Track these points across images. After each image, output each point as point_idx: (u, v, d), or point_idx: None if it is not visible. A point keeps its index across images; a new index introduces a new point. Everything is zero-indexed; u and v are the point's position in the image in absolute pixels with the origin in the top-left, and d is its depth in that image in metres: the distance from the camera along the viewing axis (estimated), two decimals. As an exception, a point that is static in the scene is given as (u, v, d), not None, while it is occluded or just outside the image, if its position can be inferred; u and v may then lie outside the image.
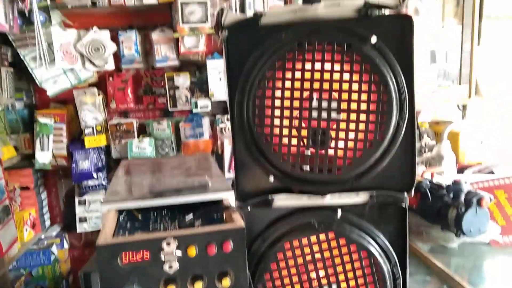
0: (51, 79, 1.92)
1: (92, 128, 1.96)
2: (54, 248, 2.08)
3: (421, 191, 1.47)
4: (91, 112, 1.94)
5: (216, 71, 1.98)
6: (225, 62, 0.78)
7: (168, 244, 0.56)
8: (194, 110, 2.03)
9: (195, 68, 2.11)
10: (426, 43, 2.04)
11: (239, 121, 0.79)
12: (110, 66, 1.94)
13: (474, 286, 1.13)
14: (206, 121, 2.07)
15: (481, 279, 1.23)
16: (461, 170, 1.78)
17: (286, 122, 0.76)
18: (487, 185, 1.57)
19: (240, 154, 0.80)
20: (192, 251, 0.56)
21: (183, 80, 2.04)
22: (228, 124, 2.04)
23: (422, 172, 1.58)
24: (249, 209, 0.79)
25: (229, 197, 0.72)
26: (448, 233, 1.41)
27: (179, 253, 0.56)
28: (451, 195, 1.39)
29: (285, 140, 0.76)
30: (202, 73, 2.07)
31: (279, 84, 0.75)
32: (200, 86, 2.06)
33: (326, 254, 0.78)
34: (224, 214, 0.68)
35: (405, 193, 0.79)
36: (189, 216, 0.63)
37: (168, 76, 2.04)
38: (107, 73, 2.04)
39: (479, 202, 1.30)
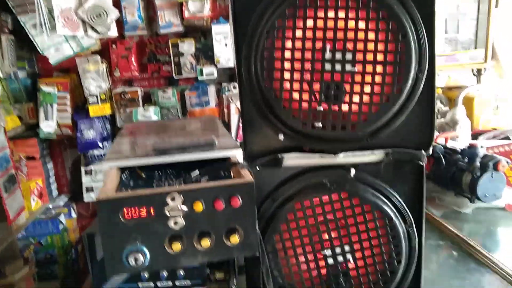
0: (53, 46, 1.86)
1: (96, 96, 1.92)
2: (62, 218, 2.08)
3: (434, 156, 1.42)
4: (95, 80, 1.90)
5: (222, 37, 1.92)
6: (232, 12, 0.73)
7: (173, 199, 0.52)
8: (200, 78, 1.98)
9: (200, 34, 2.04)
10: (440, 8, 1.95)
11: (247, 76, 0.74)
12: (113, 33, 1.88)
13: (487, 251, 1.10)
14: (212, 89, 2.02)
15: (495, 245, 1.20)
16: (475, 136, 1.73)
17: (296, 75, 0.71)
18: (503, 150, 1.52)
19: (248, 111, 0.76)
20: (199, 207, 0.53)
21: (188, 47, 1.98)
22: (235, 91, 1.99)
23: (435, 137, 1.53)
24: (257, 169, 0.76)
25: (237, 155, 0.68)
26: (462, 198, 1.38)
27: (184, 208, 0.53)
28: (466, 159, 1.35)
29: (295, 95, 0.72)
30: (207, 39, 2.01)
31: (289, 33, 0.70)
32: (205, 53, 2.00)
33: (339, 214, 0.75)
34: (231, 172, 0.64)
35: (423, 151, 0.75)
36: (195, 173, 0.60)
37: (172, 42, 1.98)
38: (110, 41, 1.99)
39: (495, 166, 1.26)
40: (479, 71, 2.04)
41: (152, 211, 0.52)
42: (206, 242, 0.54)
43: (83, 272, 2.19)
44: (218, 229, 0.55)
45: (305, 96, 0.72)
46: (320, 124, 0.72)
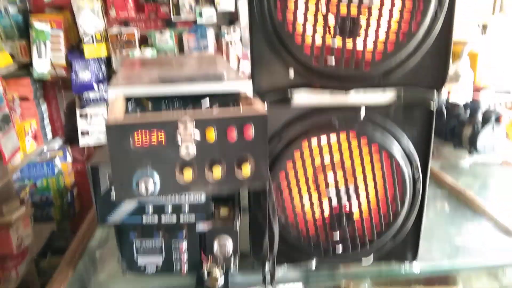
0: (45, -20, 1.77)
1: (92, 36, 1.85)
2: (57, 161, 2.07)
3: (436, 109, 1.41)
4: (90, 18, 1.82)
5: (223, -23, 1.84)
6: None
7: (185, 126, 0.51)
8: (199, 20, 1.91)
9: (200, -27, 1.95)
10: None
11: (259, 7, 0.70)
12: (109, -32, 1.79)
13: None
14: (211, 33, 1.96)
15: (490, 198, 1.21)
16: (477, 91, 1.71)
17: (312, 7, 0.68)
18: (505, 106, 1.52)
19: (257, 45, 0.73)
20: (211, 135, 0.52)
21: (187, -13, 1.90)
22: (234, 36, 1.93)
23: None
24: (266, 106, 0.74)
25: (247, 88, 0.66)
26: (460, 151, 1.38)
27: (197, 136, 0.51)
28: (468, 112, 1.34)
29: (309, 29, 0.69)
30: (208, -20, 1.92)
31: (306, -39, 0.66)
32: (206, -6, 1.92)
33: (346, 154, 0.74)
34: (241, 105, 0.62)
35: (435, 91, 0.74)
36: (205, 103, 0.58)
37: (171, -18, 1.90)
38: (105, -23, 1.89)
39: (497, 119, 1.26)
40: (484, 26, 2.00)
41: (163, 138, 0.51)
42: (217, 173, 0.53)
43: (79, 216, 2.21)
44: (230, 160, 0.54)
45: (319, 30, 0.69)
46: (333, 60, 0.70)
